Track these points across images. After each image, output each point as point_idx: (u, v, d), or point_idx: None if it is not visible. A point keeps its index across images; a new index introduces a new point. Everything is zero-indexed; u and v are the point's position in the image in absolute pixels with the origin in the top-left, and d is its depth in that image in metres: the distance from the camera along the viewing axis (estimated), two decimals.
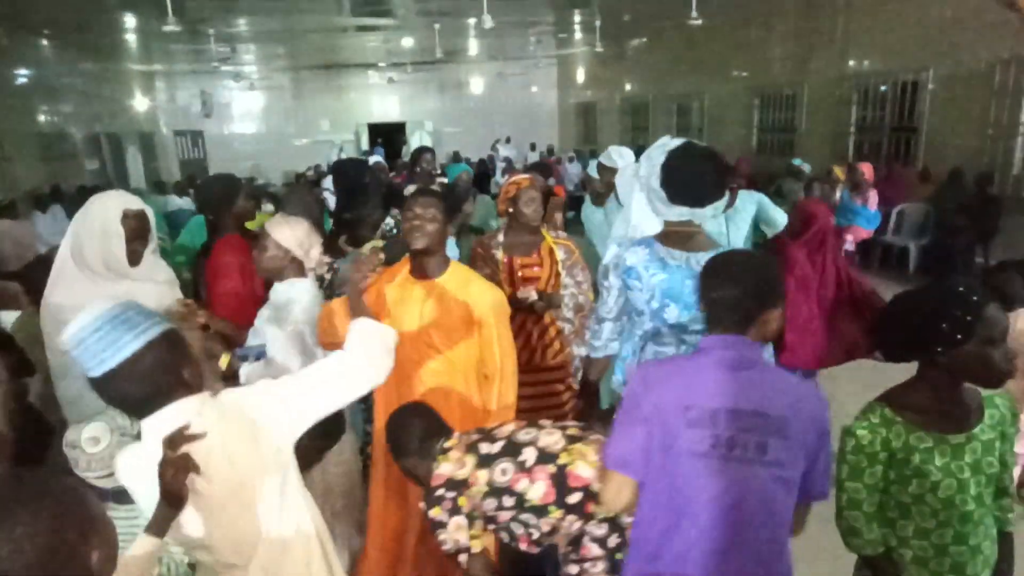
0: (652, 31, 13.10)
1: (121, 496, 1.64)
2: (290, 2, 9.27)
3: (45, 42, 10.63)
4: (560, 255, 2.96)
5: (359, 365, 1.54)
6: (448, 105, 17.27)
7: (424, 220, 2.16)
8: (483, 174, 10.97)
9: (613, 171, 3.70)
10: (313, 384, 1.47)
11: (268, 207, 6.25)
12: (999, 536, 1.52)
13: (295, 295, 2.36)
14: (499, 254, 2.99)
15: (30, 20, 9.19)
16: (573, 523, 1.70)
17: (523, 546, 1.78)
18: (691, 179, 2.04)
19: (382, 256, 2.05)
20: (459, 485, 1.71)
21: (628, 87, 15.10)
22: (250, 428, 1.37)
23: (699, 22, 9.13)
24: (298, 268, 2.42)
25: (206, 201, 3.83)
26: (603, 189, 3.89)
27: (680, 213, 2.07)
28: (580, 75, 17.05)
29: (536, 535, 1.74)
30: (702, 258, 2.07)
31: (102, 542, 1.02)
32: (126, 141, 13.14)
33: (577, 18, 12.15)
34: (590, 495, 1.68)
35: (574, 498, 1.69)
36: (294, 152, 15.48)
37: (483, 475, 1.71)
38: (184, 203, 9.12)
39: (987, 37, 7.14)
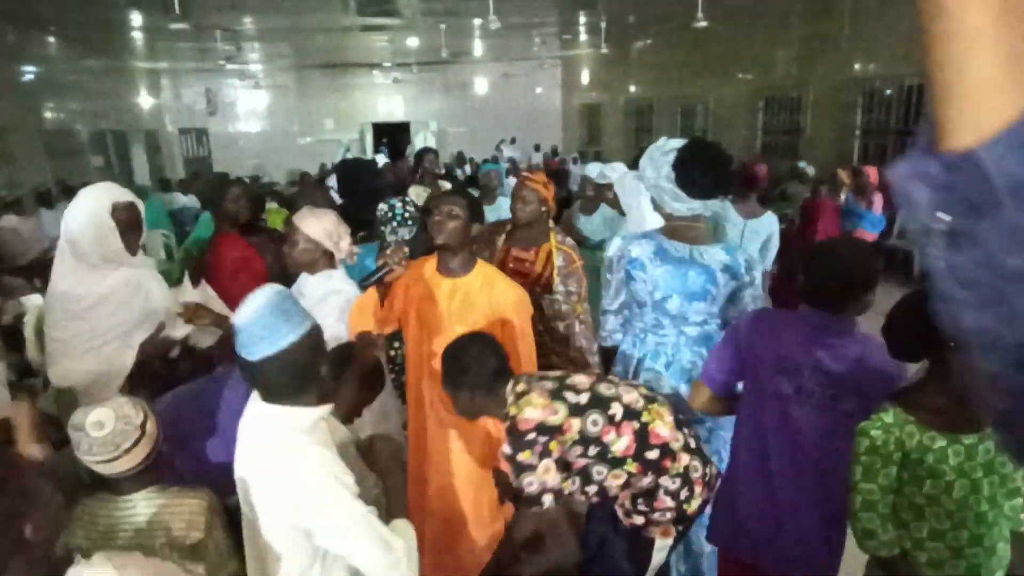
0: (657, 33, 13.10)
1: (119, 486, 1.65)
2: (296, 1, 9.28)
3: (52, 39, 10.65)
4: (558, 261, 2.95)
5: (385, 565, 1.49)
6: (453, 105, 17.27)
7: (447, 217, 2.19)
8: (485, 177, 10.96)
9: (601, 184, 4.08)
10: (347, 530, 1.45)
11: (271, 205, 6.26)
12: (1012, 537, 1.53)
13: (334, 287, 2.39)
14: (500, 240, 3.04)
15: (37, 17, 9.21)
16: (644, 478, 1.80)
17: (584, 494, 1.85)
18: (705, 172, 2.16)
19: (406, 250, 2.08)
20: (552, 430, 1.74)
21: (632, 89, 15.09)
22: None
23: (704, 24, 9.13)
24: (329, 260, 2.44)
25: (207, 199, 3.87)
26: (592, 196, 4.23)
27: (692, 207, 2.20)
28: (585, 76, 17.05)
29: (601, 487, 1.81)
30: (703, 250, 2.23)
31: (38, 514, 1.07)
32: (131, 138, 13.17)
33: (582, 19, 12.15)
34: (667, 452, 1.81)
35: (653, 454, 1.80)
36: (298, 151, 15.50)
37: (576, 423, 1.76)
38: (189, 200, 9.14)
39: None
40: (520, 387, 1.85)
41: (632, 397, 1.84)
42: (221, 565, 1.62)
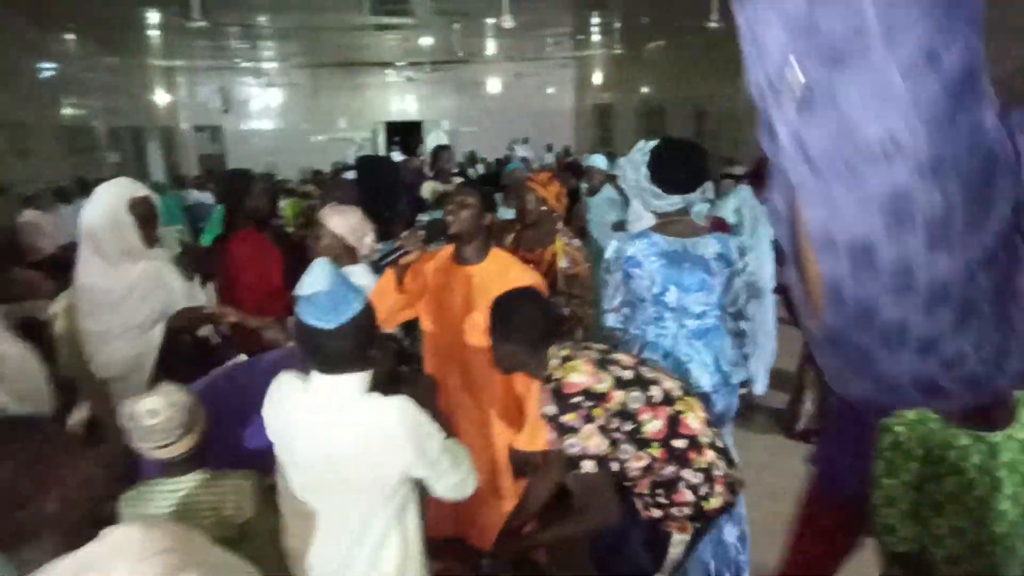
0: (670, 34, 13.09)
1: (172, 468, 1.71)
2: None
3: (70, 37, 10.77)
4: (563, 263, 2.97)
5: (458, 481, 1.67)
6: (465, 105, 17.33)
7: (459, 207, 2.29)
8: (499, 173, 11.02)
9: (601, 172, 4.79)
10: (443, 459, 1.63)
11: (281, 203, 6.32)
12: None
13: (355, 280, 2.45)
14: (508, 240, 3.10)
15: (56, 15, 9.32)
16: (667, 467, 1.81)
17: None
18: (679, 168, 2.29)
19: (421, 233, 2.17)
20: (597, 397, 1.78)
21: (645, 90, 15.09)
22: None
23: (718, 25, 9.13)
24: (351, 255, 2.53)
25: (224, 195, 3.91)
26: (597, 184, 4.83)
27: (673, 202, 2.31)
28: (597, 77, 17.06)
29: (622, 467, 1.83)
30: (695, 242, 2.34)
31: (61, 489, 1.11)
32: (147, 136, 13.30)
33: (595, 20, 12.16)
34: (694, 444, 1.83)
35: (680, 443, 1.82)
36: (311, 149, 15.59)
37: (620, 396, 1.80)
38: (204, 197, 9.24)
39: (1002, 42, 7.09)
40: (565, 352, 1.89)
41: (671, 384, 1.88)
42: (271, 543, 1.68)
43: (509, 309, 1.96)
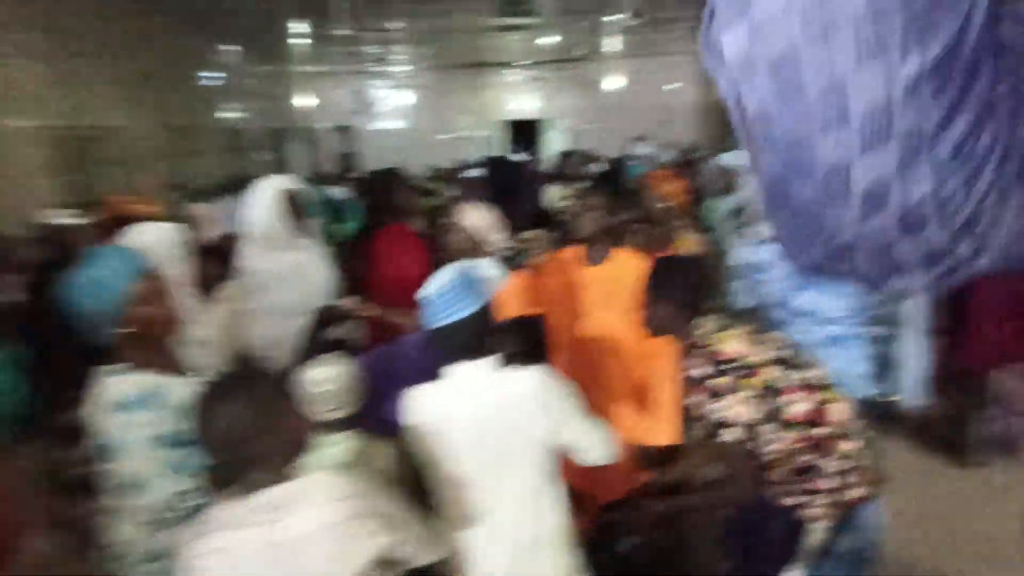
0: None
1: (331, 427, 1.97)
2: (440, 4, 9.84)
3: (227, 48, 11.93)
4: None
5: (601, 442, 1.81)
6: (585, 102, 17.37)
7: (585, 210, 2.42)
8: (616, 172, 11.00)
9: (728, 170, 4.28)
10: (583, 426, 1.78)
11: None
12: None
13: (484, 273, 2.65)
14: (632, 239, 3.13)
15: (218, 29, 10.39)
16: (805, 453, 1.80)
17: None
18: None
19: (544, 234, 2.30)
20: (748, 368, 1.79)
21: None
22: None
23: None
24: (482, 250, 2.74)
25: (368, 191, 4.22)
26: (724, 184, 4.39)
27: None
28: None
29: (762, 446, 1.81)
30: None
31: (283, 428, 1.40)
32: (291, 136, 14.44)
33: None
34: (838, 434, 1.79)
35: (822, 431, 1.80)
36: (436, 147, 16.24)
37: (770, 372, 1.79)
38: (340, 192, 9.93)
39: None
40: (721, 321, 1.90)
41: (822, 373, 1.85)
42: (415, 502, 1.85)
43: (669, 271, 1.97)
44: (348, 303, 3.09)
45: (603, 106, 17.27)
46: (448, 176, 10.10)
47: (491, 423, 1.69)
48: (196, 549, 1.36)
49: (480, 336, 1.69)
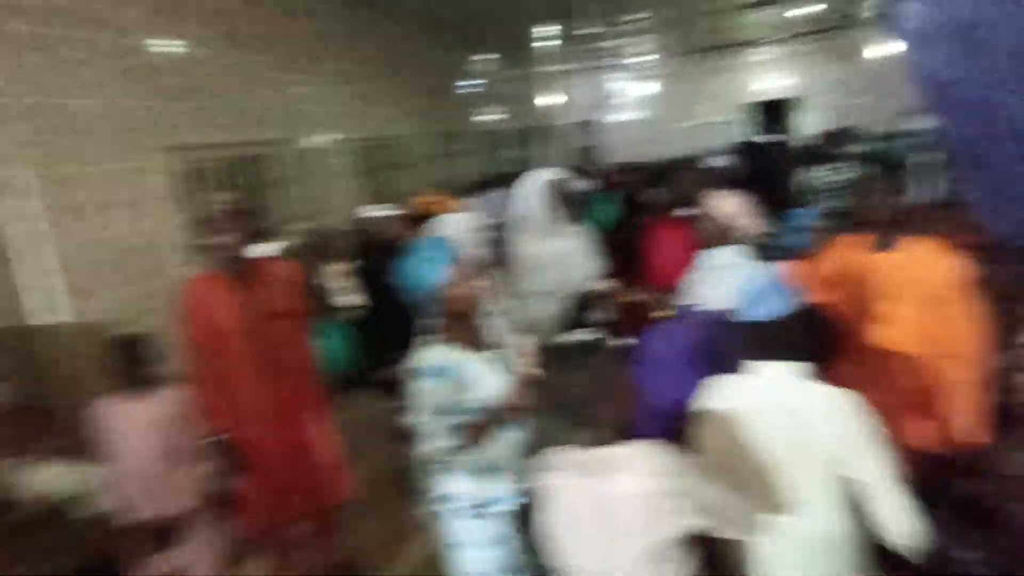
0: None
1: None
2: None
3: (484, 56, 13.04)
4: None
5: (900, 507, 1.63)
6: (842, 75, 15.85)
7: (865, 194, 2.33)
8: (887, 151, 9.91)
9: None
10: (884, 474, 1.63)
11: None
12: None
13: (733, 260, 2.74)
14: (926, 223, 2.92)
15: (473, 41, 11.48)
16: None
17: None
18: None
19: (827, 222, 2.27)
20: None
21: None
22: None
23: None
24: (733, 236, 2.80)
25: (636, 184, 4.39)
26: None
27: None
28: None
29: None
30: None
31: (618, 393, 1.57)
32: (539, 133, 15.36)
33: None
34: None
35: None
36: (675, 135, 16.04)
37: None
38: (583, 184, 10.40)
39: None
40: None
41: None
42: None
43: None
44: (606, 287, 3.33)
45: (862, 79, 15.61)
46: (691, 166, 10.01)
47: (787, 432, 1.65)
48: (543, 479, 1.61)
49: (794, 338, 1.66)
